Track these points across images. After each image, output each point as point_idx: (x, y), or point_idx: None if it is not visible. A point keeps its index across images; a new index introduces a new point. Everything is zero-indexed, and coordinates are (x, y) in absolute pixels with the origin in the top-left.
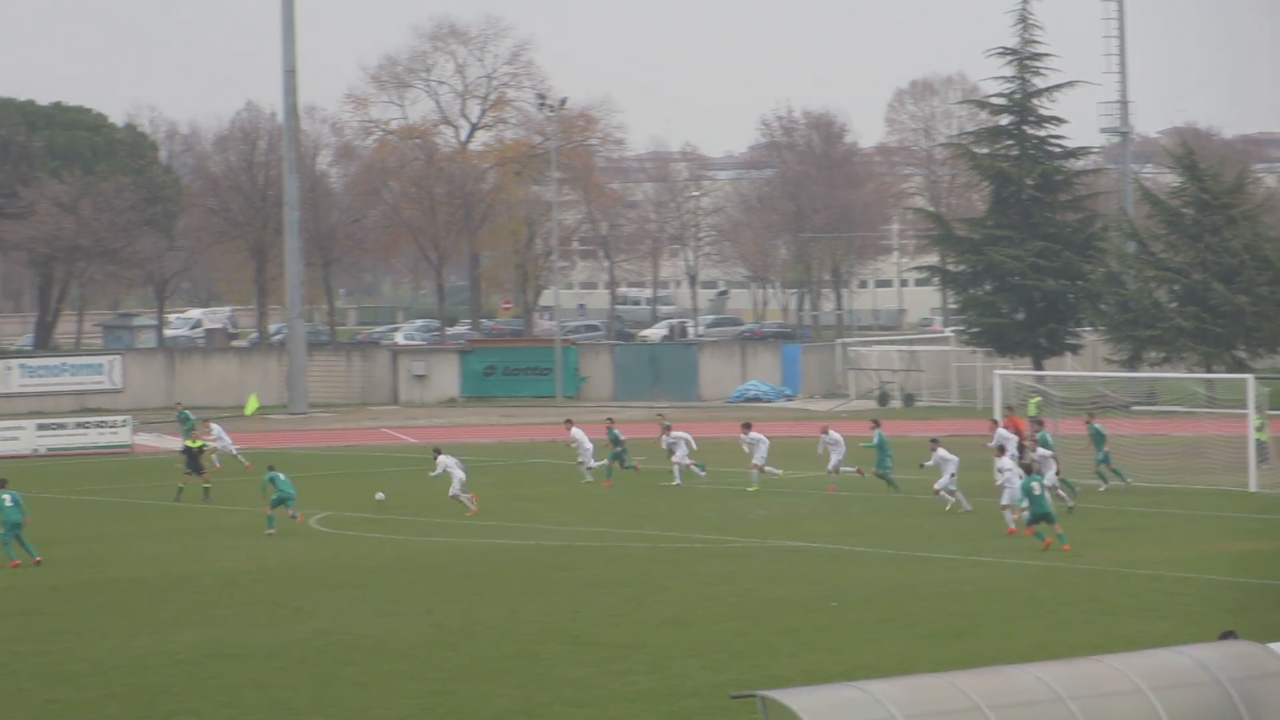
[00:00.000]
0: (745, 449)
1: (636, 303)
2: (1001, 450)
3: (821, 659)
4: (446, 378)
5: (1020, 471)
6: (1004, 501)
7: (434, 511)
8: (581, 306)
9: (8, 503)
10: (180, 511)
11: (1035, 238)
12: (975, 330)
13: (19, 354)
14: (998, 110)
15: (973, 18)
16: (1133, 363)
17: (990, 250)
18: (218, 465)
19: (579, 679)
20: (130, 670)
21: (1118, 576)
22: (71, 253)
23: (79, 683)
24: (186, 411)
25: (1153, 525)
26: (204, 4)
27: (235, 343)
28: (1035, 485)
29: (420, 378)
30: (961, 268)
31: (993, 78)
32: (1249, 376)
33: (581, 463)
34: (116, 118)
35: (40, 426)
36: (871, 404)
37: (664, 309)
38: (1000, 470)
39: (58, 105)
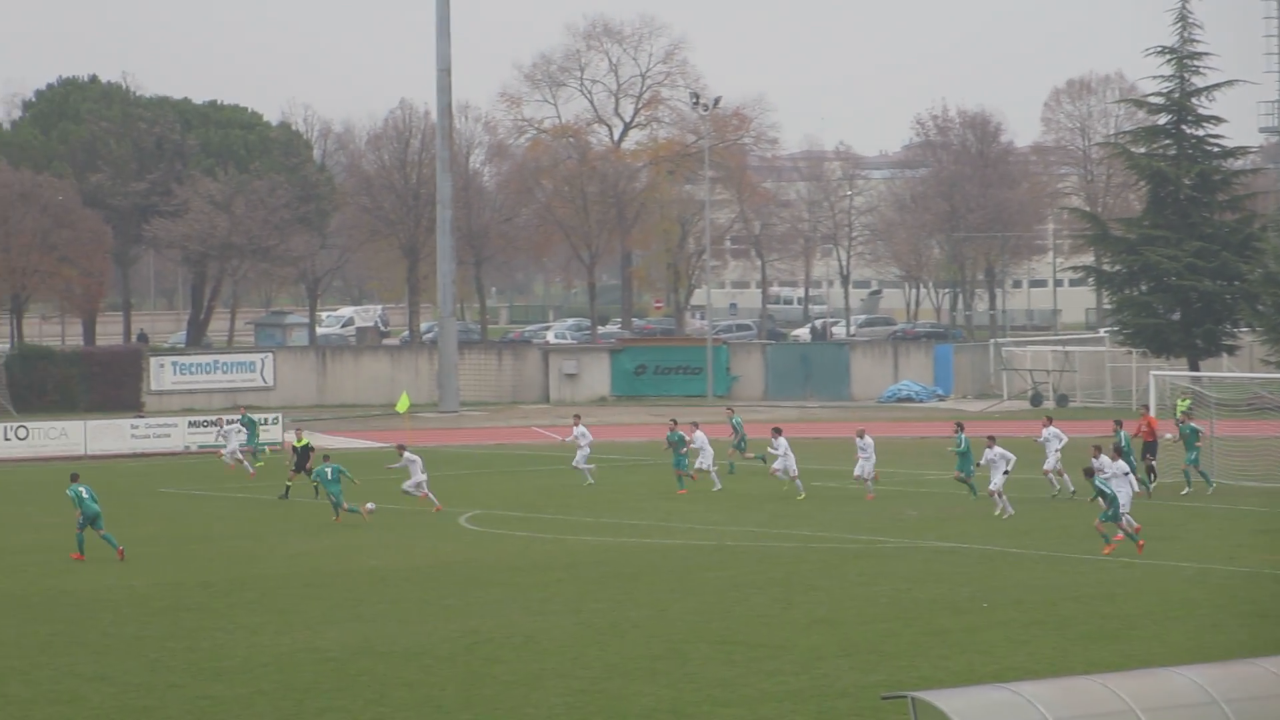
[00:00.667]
0: (770, 452)
1: (788, 302)
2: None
3: (972, 660)
4: (597, 376)
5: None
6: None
7: (582, 510)
8: (733, 306)
9: (84, 495)
10: (327, 509)
11: (1192, 238)
12: (1130, 331)
13: (172, 351)
14: (1155, 109)
15: (1131, 17)
16: None
17: (1146, 250)
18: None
19: (728, 679)
20: (279, 667)
21: (1274, 579)
22: (225, 250)
23: (229, 679)
24: (251, 416)
25: None
26: (359, 3)
27: (386, 341)
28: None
29: (571, 376)
30: (1117, 268)
31: (1151, 77)
32: None
33: (701, 466)
34: (271, 116)
35: (192, 424)
36: (1024, 404)
37: (816, 309)
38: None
39: (213, 104)
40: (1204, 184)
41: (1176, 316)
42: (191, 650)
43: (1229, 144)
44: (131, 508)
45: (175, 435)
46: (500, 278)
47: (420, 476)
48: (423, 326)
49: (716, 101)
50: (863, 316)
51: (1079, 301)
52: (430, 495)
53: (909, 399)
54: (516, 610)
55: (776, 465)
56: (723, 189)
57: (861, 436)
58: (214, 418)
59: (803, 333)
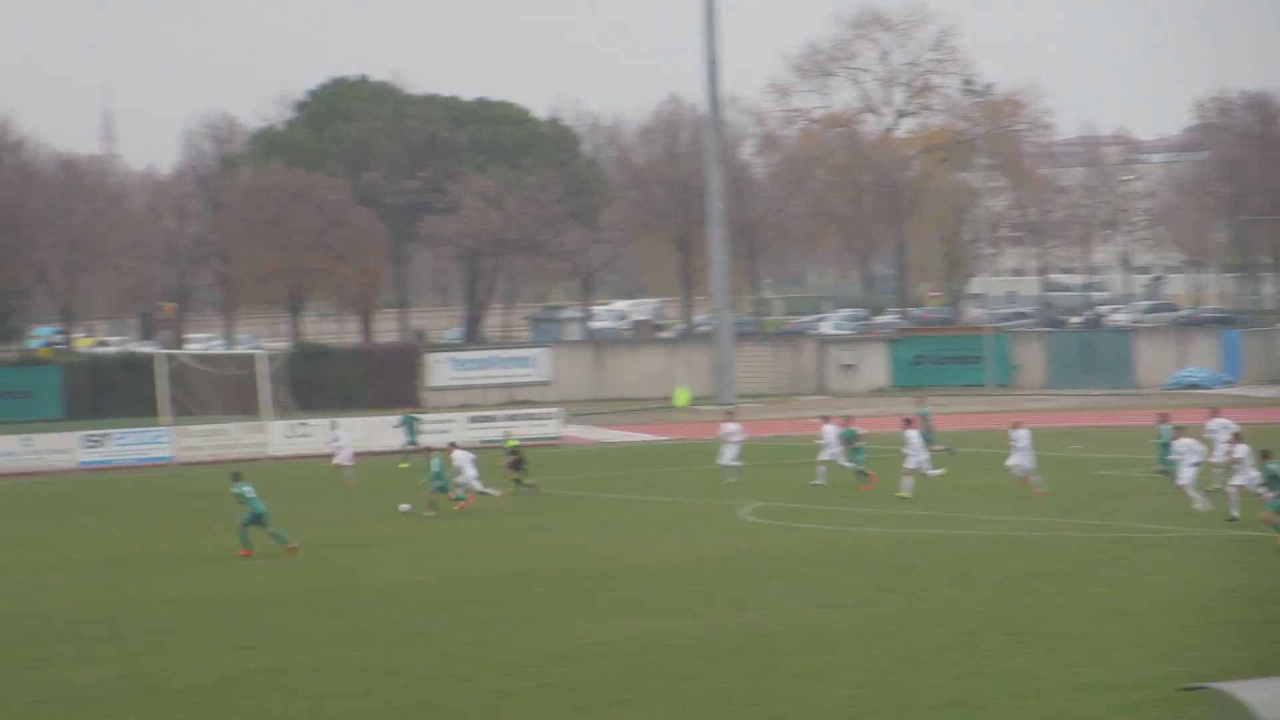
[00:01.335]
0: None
1: (1067, 289)
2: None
3: (1274, 651)
4: (875, 367)
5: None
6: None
7: (865, 501)
8: (1011, 294)
9: (250, 493)
10: (608, 503)
11: None
12: None
13: (449, 347)
14: None
15: None
16: None
17: None
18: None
19: (1021, 670)
20: (567, 660)
21: None
22: (498, 246)
23: (517, 672)
24: (412, 415)
25: None
26: None
27: (661, 334)
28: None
29: (848, 367)
30: None
31: None
32: None
33: (917, 468)
34: (540, 112)
35: (471, 419)
36: None
37: (1096, 295)
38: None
39: (482, 101)
40: None
41: None
42: (479, 644)
43: None
44: (414, 500)
45: (454, 430)
46: (774, 269)
47: (473, 471)
48: (697, 319)
49: (989, 88)
50: (1145, 302)
51: None
52: (488, 490)
53: (1196, 385)
54: (802, 602)
55: (1011, 461)
56: (998, 176)
57: (1017, 428)
58: (486, 412)
59: (1076, 320)
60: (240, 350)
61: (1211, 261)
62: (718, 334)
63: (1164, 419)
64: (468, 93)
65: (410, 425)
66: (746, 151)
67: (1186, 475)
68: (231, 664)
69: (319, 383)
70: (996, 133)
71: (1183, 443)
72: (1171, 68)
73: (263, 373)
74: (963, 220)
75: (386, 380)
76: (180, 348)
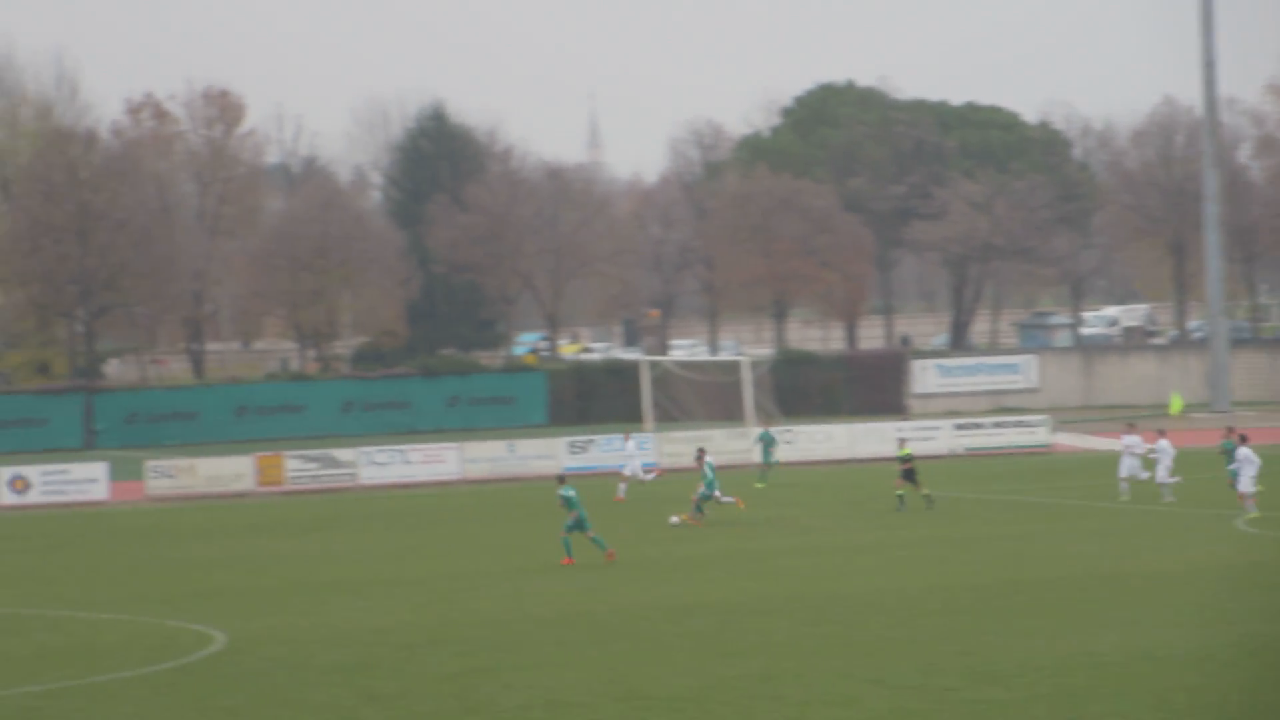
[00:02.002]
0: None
1: None
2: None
3: None
4: None
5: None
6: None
7: None
8: None
9: (575, 498)
10: (1100, 512)
11: None
12: None
13: (935, 354)
14: None
15: None
16: None
17: None
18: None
19: None
20: (1054, 671)
21: None
22: (985, 252)
23: (1005, 683)
24: (769, 432)
25: None
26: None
27: (1153, 341)
28: None
29: None
30: None
31: None
32: None
33: (1161, 483)
34: (1029, 116)
35: (957, 426)
36: None
37: None
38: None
39: (970, 105)
40: None
41: None
42: (964, 654)
43: None
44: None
45: (941, 438)
46: (1272, 274)
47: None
48: (1190, 325)
49: None
50: None
51: None
52: (646, 474)
53: None
54: None
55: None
56: None
57: (1132, 430)
58: (973, 420)
59: None
60: (724, 357)
61: None
62: (1212, 340)
63: (1231, 432)
64: (956, 97)
65: (767, 445)
66: (1243, 154)
67: (1244, 484)
68: (714, 671)
69: (802, 389)
70: None
71: (1243, 451)
72: None
73: (746, 379)
74: None
75: (870, 387)
76: (664, 354)
